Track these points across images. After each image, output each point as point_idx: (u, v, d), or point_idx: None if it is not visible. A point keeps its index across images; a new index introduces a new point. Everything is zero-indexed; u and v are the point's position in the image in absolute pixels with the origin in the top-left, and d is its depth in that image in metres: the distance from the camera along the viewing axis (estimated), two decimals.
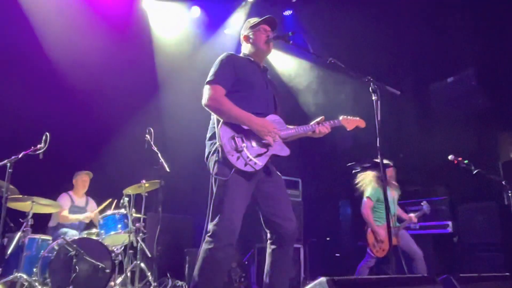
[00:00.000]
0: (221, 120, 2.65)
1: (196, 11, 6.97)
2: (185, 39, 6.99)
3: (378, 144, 2.62)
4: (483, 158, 4.96)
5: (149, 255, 4.57)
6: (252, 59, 2.97)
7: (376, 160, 2.66)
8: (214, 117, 2.75)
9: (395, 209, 5.05)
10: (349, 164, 5.00)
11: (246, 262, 5.52)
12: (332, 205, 7.35)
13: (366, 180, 5.09)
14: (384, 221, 4.79)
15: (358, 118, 3.11)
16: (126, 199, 4.62)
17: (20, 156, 4.13)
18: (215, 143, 2.63)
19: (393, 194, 5.08)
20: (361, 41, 6.47)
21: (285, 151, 2.80)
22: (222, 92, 2.68)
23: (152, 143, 4.55)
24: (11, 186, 4.16)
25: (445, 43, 5.71)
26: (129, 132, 5.72)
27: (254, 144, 2.65)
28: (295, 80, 7.41)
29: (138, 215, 4.67)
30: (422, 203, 5.15)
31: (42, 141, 4.18)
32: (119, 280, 4.34)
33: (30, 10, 5.71)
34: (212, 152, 2.68)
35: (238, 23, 7.09)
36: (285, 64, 7.50)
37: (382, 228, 4.79)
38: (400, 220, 5.09)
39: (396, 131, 6.43)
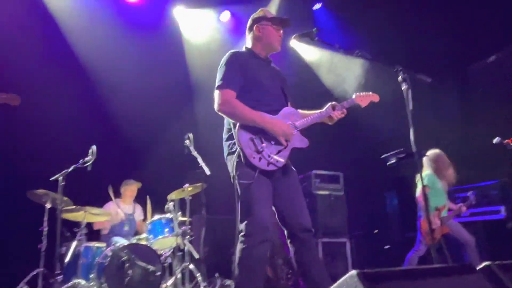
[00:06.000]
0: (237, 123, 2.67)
1: (226, 15, 7.06)
2: (216, 44, 7.07)
3: (411, 134, 2.58)
4: None
5: (197, 257, 4.69)
6: (256, 52, 2.95)
7: (412, 150, 2.59)
8: (229, 118, 2.77)
9: (445, 199, 4.93)
10: (384, 155, 4.89)
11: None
12: (377, 197, 7.21)
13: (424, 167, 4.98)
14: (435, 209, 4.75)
15: (371, 93, 3.03)
16: (171, 203, 4.78)
17: (70, 169, 4.40)
18: (233, 143, 2.67)
19: (445, 184, 4.95)
20: (394, 27, 6.30)
21: (304, 143, 2.79)
22: (233, 95, 2.69)
23: (191, 148, 4.66)
24: (65, 198, 4.43)
25: (484, 21, 5.46)
26: (169, 139, 5.89)
27: (273, 141, 2.67)
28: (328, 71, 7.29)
29: (184, 219, 4.79)
30: (468, 193, 4.98)
31: (89, 153, 4.42)
32: (170, 282, 4.48)
33: (68, 25, 5.96)
34: (231, 153, 2.72)
35: None
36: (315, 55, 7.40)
37: (435, 216, 4.70)
38: (448, 209, 4.96)
39: (435, 118, 6.22)
